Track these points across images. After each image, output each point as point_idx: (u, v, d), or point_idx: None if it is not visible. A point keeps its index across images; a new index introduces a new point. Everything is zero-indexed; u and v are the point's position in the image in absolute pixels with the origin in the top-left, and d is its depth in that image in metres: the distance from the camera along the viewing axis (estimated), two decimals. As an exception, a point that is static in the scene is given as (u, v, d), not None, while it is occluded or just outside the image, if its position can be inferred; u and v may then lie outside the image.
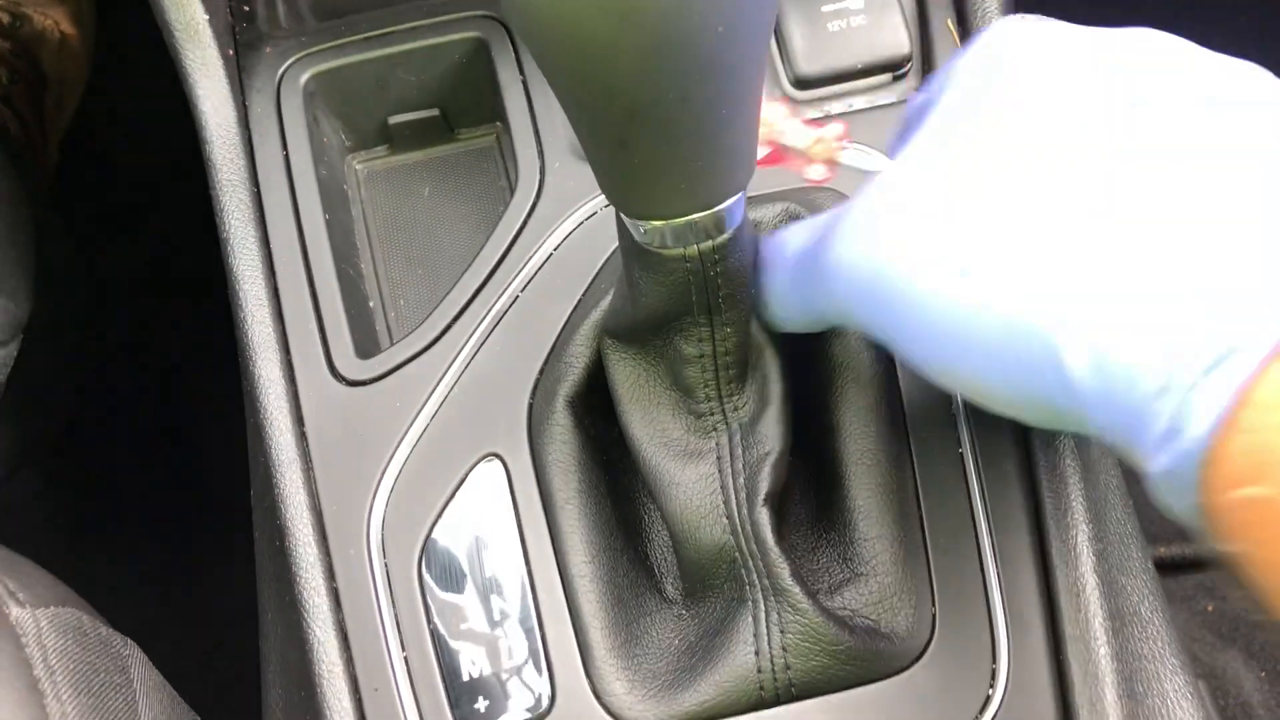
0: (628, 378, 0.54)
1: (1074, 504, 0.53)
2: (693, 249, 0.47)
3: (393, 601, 0.54)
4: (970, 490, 0.54)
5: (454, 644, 0.54)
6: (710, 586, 0.52)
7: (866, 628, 0.51)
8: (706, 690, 0.50)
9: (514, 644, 0.53)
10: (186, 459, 1.31)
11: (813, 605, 0.49)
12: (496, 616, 0.54)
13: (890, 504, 0.53)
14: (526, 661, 0.53)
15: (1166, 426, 0.33)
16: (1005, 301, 0.37)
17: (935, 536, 0.53)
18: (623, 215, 0.47)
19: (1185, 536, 0.94)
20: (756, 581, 0.50)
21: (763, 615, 0.50)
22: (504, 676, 0.53)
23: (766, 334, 0.52)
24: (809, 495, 0.56)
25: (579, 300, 0.58)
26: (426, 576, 0.54)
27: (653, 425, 0.53)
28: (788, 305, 0.49)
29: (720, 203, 0.45)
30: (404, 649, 0.53)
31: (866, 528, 0.52)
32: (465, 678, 0.53)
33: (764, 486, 0.51)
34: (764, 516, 0.50)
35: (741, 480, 0.51)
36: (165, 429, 1.34)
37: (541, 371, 0.57)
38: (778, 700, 0.51)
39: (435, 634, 0.54)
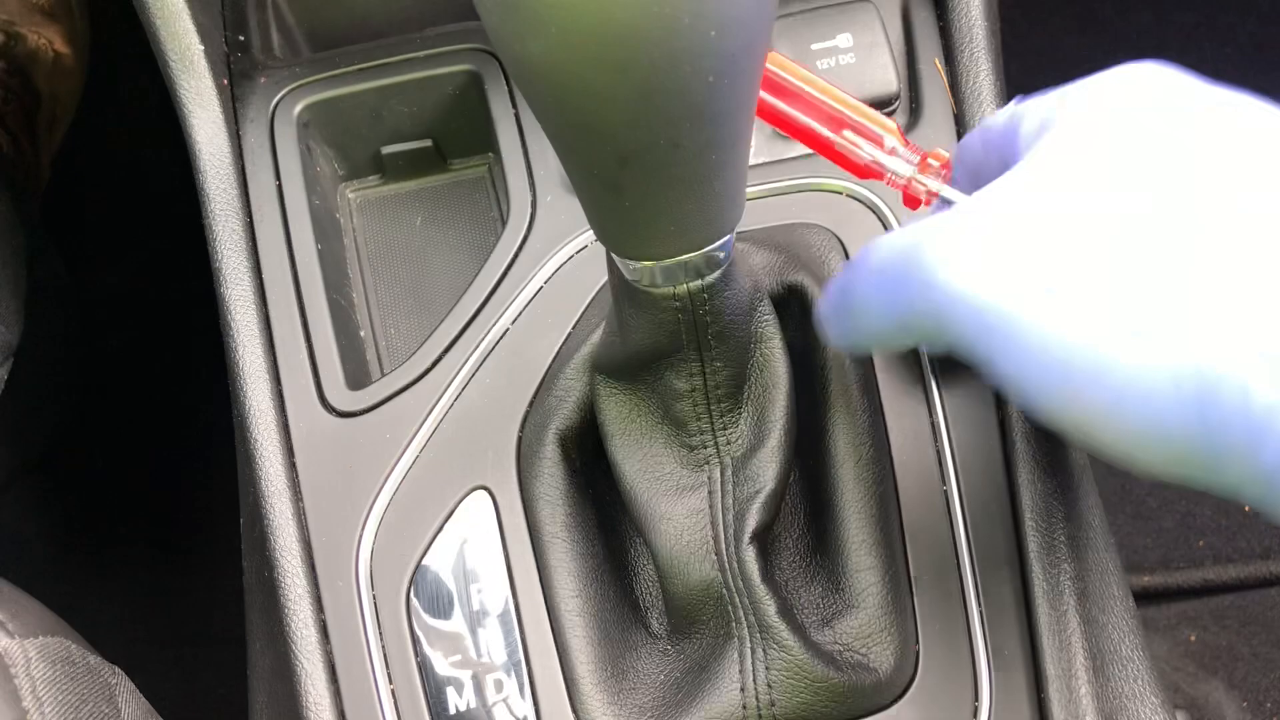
0: (619, 412, 0.54)
1: (1057, 542, 0.53)
2: (682, 288, 0.47)
3: (380, 634, 0.54)
4: (954, 527, 0.54)
5: (440, 677, 0.54)
6: (697, 622, 0.53)
7: (853, 663, 0.52)
8: None
9: (501, 677, 0.53)
10: (174, 481, 1.31)
11: (798, 642, 0.50)
12: (483, 650, 0.54)
13: (881, 536, 0.53)
14: (513, 696, 0.53)
15: None
16: (1180, 360, 0.35)
17: (919, 573, 0.54)
18: (613, 254, 0.47)
19: (1167, 566, 0.95)
20: (743, 618, 0.51)
21: (749, 652, 0.50)
22: (490, 710, 0.53)
23: (778, 369, 0.53)
24: (802, 524, 0.57)
25: (569, 334, 0.59)
26: (414, 609, 0.55)
27: (644, 460, 0.54)
28: (871, 316, 0.45)
29: (710, 243, 0.45)
30: (391, 682, 0.54)
31: (859, 559, 0.53)
32: (452, 711, 0.53)
33: (751, 523, 0.51)
34: (750, 554, 0.51)
35: (731, 516, 0.52)
36: (153, 450, 1.33)
37: (531, 405, 0.57)
38: None
39: (422, 667, 0.54)
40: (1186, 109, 0.39)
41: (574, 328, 0.59)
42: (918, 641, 0.53)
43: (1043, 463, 0.55)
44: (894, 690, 0.52)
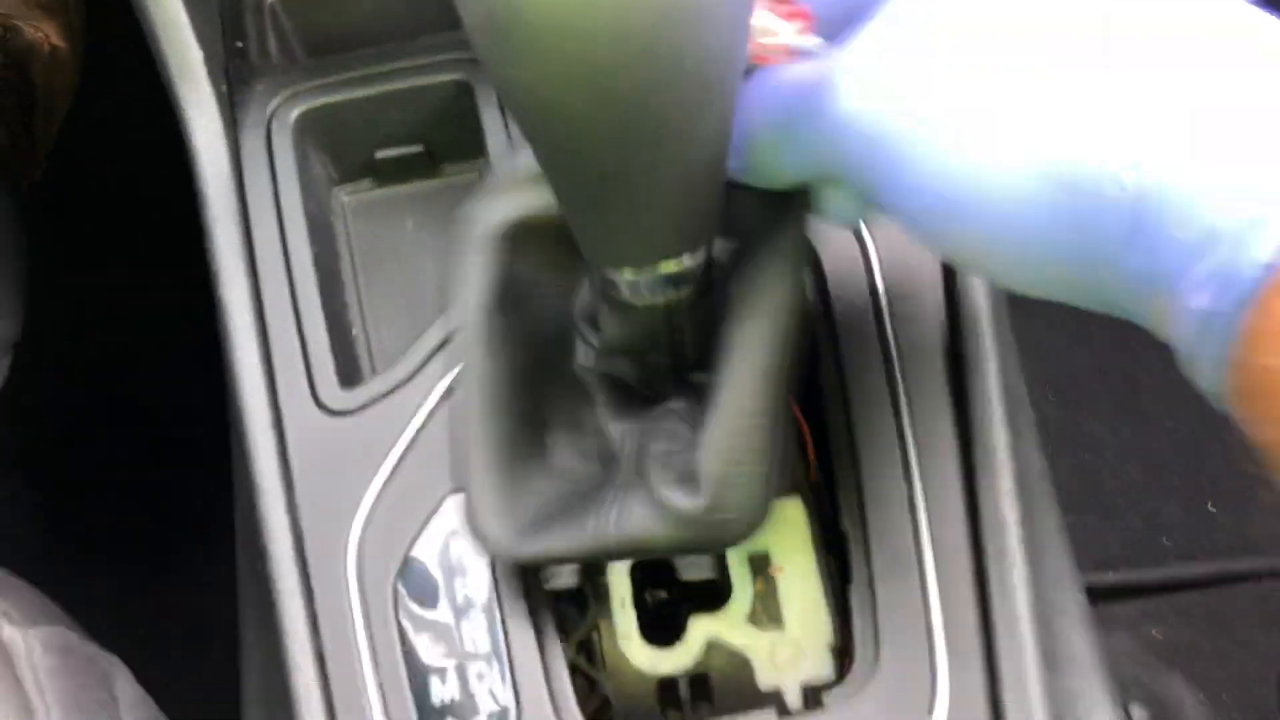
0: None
1: (1010, 543, 0.56)
2: (660, 297, 0.49)
3: (368, 626, 0.57)
4: (917, 527, 0.57)
5: (425, 668, 0.56)
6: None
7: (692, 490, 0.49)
8: (552, 541, 0.52)
9: (484, 670, 0.56)
10: (167, 472, 1.32)
11: (658, 471, 0.50)
12: (468, 642, 0.56)
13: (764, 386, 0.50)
14: (494, 684, 0.56)
15: (1223, 258, 0.32)
16: (1047, 149, 0.37)
17: (882, 576, 0.56)
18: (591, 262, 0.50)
19: (1131, 563, 0.97)
20: (628, 465, 0.52)
21: (620, 485, 0.52)
22: (472, 698, 0.56)
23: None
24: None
25: None
26: (401, 602, 0.57)
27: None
28: (771, 152, 0.47)
29: (690, 253, 0.47)
30: (378, 673, 0.56)
31: (719, 394, 0.49)
32: (436, 702, 0.56)
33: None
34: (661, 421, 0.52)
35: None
36: (147, 443, 1.35)
37: None
38: (611, 553, 0.51)
39: (408, 658, 0.56)
40: None
41: None
42: (877, 637, 0.55)
43: (1003, 466, 0.57)
44: (741, 531, 0.50)
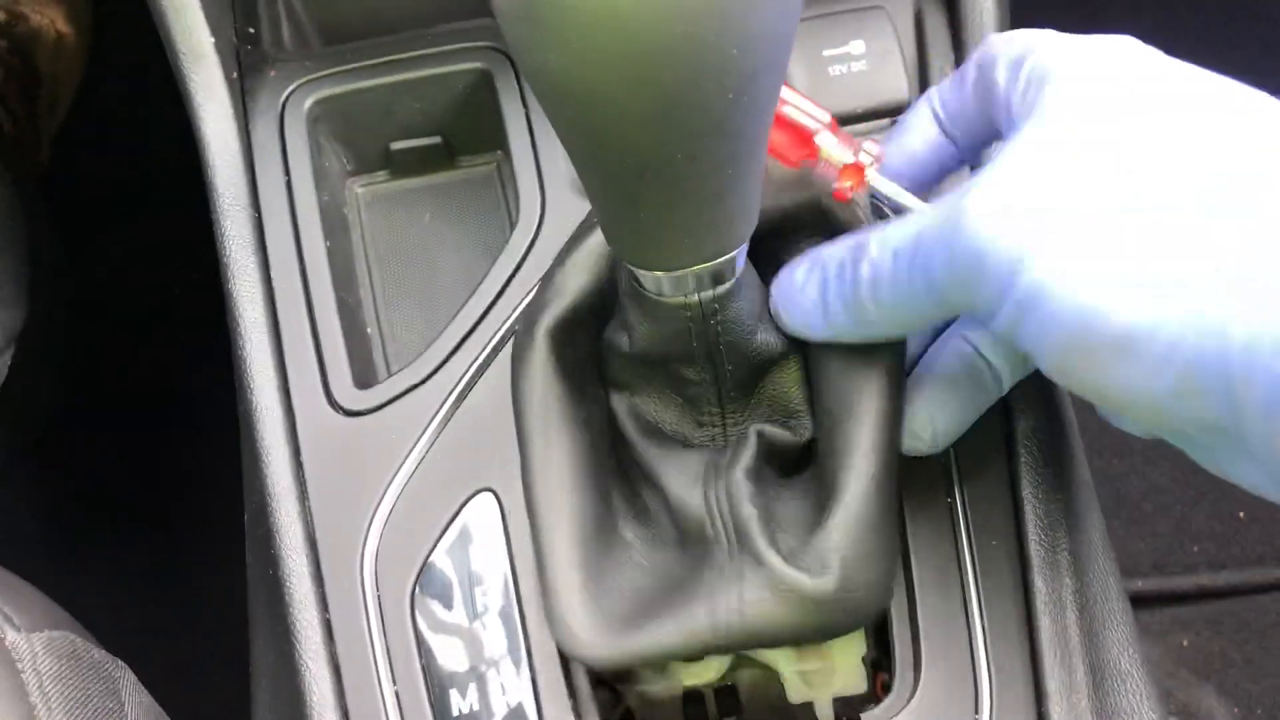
0: (626, 378, 0.54)
1: (1060, 557, 0.54)
2: (694, 298, 0.47)
3: (385, 635, 0.55)
4: (958, 540, 0.55)
5: (445, 678, 0.54)
6: (685, 536, 0.52)
7: (830, 570, 0.48)
8: (658, 634, 0.49)
9: (505, 682, 0.54)
10: (174, 466, 1.31)
11: (775, 555, 0.48)
12: (488, 651, 0.54)
13: (881, 472, 0.49)
14: (517, 698, 0.54)
15: None
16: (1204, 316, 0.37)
17: (923, 584, 0.54)
18: (624, 262, 0.48)
19: (1162, 571, 0.96)
20: (725, 540, 0.50)
21: (728, 566, 0.49)
22: (495, 711, 0.54)
23: (794, 374, 0.52)
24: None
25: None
26: (419, 610, 0.55)
27: (649, 413, 0.54)
28: (894, 292, 0.45)
29: (723, 255, 0.45)
30: (395, 683, 0.54)
31: (844, 478, 0.49)
32: (455, 713, 0.54)
33: (746, 459, 0.51)
34: (743, 487, 0.50)
35: (727, 459, 0.52)
36: (153, 434, 1.33)
37: None
38: (728, 644, 0.49)
39: (426, 668, 0.54)
40: (1164, 86, 0.42)
41: None
42: (919, 651, 0.53)
43: (1047, 477, 0.55)
44: (866, 609, 0.49)
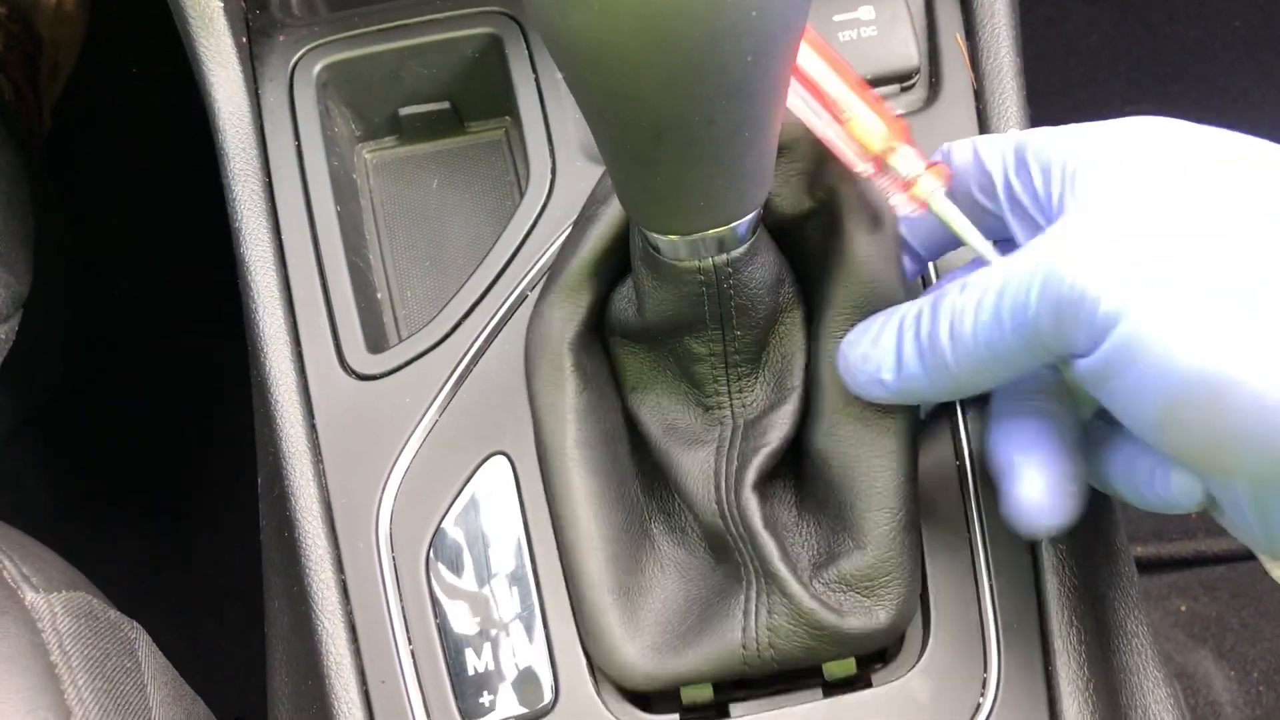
0: (636, 369, 0.55)
1: None
2: (708, 261, 0.48)
3: (400, 595, 0.55)
4: (966, 501, 0.55)
5: (459, 638, 0.55)
6: (715, 550, 0.54)
7: (855, 606, 0.51)
8: (694, 658, 0.51)
9: (518, 641, 0.54)
10: (184, 432, 1.31)
11: (801, 589, 0.50)
12: (502, 612, 0.55)
13: (901, 483, 0.52)
14: (531, 658, 0.54)
15: None
16: None
17: (932, 545, 0.55)
18: (639, 226, 0.48)
19: (1159, 536, 0.96)
20: (748, 563, 0.51)
21: (754, 595, 0.51)
22: (508, 671, 0.54)
23: (797, 338, 0.53)
24: (798, 473, 0.56)
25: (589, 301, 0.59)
26: (434, 571, 0.55)
27: (660, 413, 0.55)
28: (986, 349, 0.45)
29: (738, 218, 0.46)
30: (410, 642, 0.55)
31: (869, 500, 0.51)
32: (470, 672, 0.54)
33: (752, 475, 0.52)
34: (752, 502, 0.51)
35: (734, 468, 0.52)
36: (162, 401, 1.33)
37: None
38: (760, 671, 0.52)
39: (442, 628, 0.55)
40: (1211, 160, 0.43)
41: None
42: (929, 609, 0.54)
43: None
44: (893, 635, 0.52)
